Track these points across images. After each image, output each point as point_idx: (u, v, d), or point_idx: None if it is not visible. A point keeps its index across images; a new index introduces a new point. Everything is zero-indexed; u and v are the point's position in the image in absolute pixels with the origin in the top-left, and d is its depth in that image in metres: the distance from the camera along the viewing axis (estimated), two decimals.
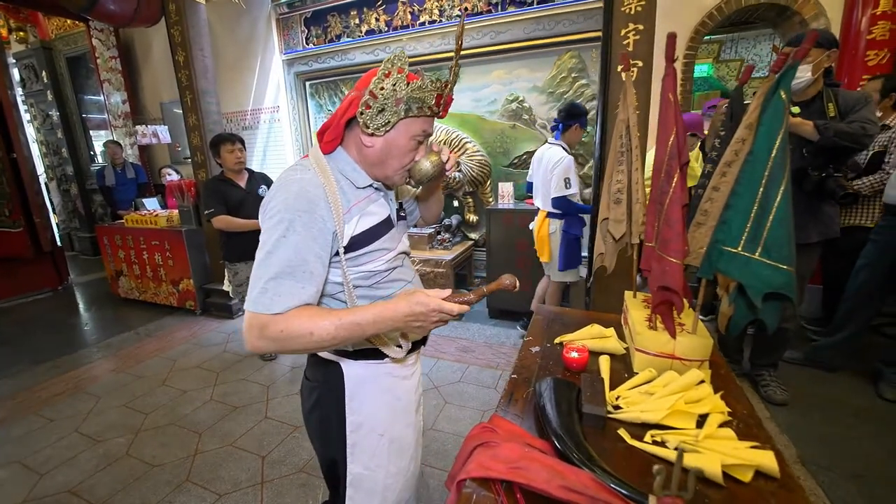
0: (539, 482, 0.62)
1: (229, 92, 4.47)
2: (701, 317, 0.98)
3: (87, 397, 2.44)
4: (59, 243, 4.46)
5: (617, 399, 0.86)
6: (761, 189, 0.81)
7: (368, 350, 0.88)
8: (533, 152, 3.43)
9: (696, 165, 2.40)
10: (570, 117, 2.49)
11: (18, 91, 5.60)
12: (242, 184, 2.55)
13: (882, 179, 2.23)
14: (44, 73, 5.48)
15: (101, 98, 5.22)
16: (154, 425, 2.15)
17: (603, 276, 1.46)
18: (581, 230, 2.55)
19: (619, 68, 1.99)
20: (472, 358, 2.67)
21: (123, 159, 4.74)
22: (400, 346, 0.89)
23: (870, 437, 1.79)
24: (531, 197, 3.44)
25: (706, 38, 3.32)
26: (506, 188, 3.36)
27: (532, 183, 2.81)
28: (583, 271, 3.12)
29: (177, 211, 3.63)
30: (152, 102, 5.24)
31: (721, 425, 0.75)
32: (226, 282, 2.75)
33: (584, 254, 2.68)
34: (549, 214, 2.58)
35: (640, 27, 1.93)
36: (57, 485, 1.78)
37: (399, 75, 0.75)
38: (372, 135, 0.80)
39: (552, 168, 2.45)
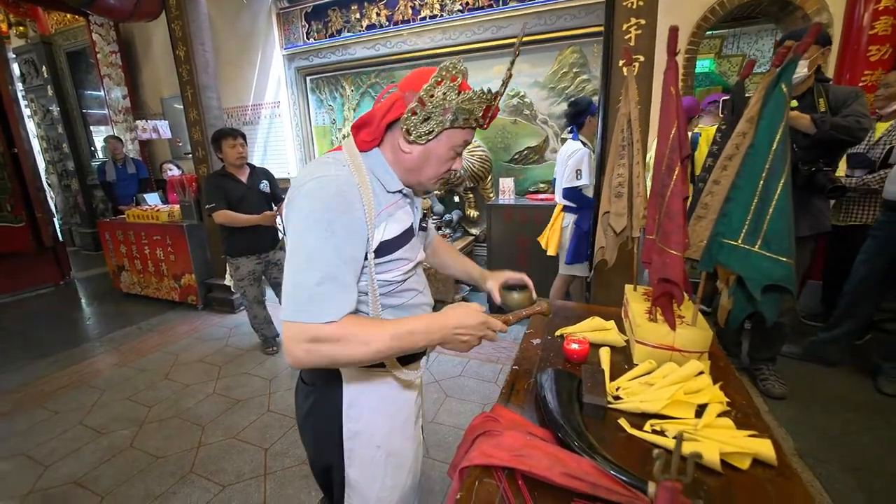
0: (541, 469, 0.63)
1: (230, 87, 4.46)
2: (703, 306, 0.99)
3: (90, 390, 2.46)
4: (60, 238, 4.48)
5: (617, 390, 0.87)
6: (762, 182, 0.82)
7: None
8: (534, 147, 3.45)
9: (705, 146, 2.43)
10: (578, 115, 2.50)
11: (19, 86, 5.59)
12: (244, 179, 2.55)
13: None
14: (44, 67, 5.47)
15: (102, 93, 5.21)
16: (157, 418, 2.16)
17: (603, 269, 1.47)
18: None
19: (621, 63, 1.99)
20: (472, 352, 2.68)
21: (124, 154, 4.75)
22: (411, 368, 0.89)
23: (868, 431, 1.81)
24: (532, 192, 3.45)
25: (708, 33, 3.31)
26: (507, 183, 3.36)
27: (555, 179, 2.84)
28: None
29: (178, 206, 3.63)
30: (153, 97, 5.23)
31: (720, 415, 0.76)
32: (227, 276, 2.75)
33: None
34: (565, 209, 2.60)
35: (642, 21, 1.93)
36: (62, 476, 1.80)
37: (452, 84, 0.72)
38: (413, 142, 0.76)
39: (567, 159, 2.49)
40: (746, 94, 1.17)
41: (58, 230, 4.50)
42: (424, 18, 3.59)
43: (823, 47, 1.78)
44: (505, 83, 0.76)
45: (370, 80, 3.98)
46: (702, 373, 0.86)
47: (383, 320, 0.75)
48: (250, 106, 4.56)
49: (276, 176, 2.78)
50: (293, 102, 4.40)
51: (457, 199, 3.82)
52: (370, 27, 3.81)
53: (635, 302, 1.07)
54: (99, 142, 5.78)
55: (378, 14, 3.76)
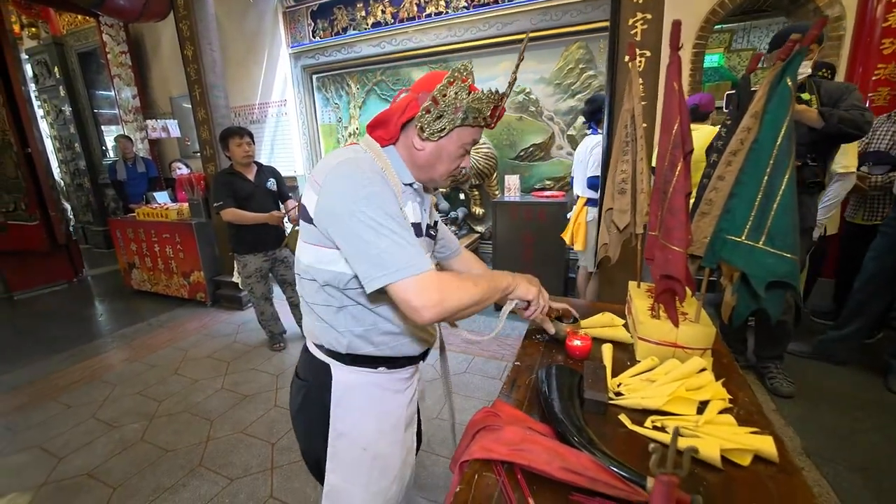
0: (540, 463, 0.64)
1: (237, 86, 4.50)
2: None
3: (102, 385, 2.51)
4: (73, 237, 4.56)
5: (619, 386, 0.87)
6: (766, 177, 0.81)
7: (362, 357, 0.86)
8: (539, 144, 3.43)
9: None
10: (597, 111, 2.54)
11: (32, 87, 5.69)
12: (251, 177, 2.58)
13: None
14: (56, 68, 5.56)
15: (112, 93, 5.29)
16: (167, 412, 2.21)
17: (608, 266, 1.47)
18: None
19: (628, 58, 1.97)
20: (477, 349, 2.69)
21: (134, 154, 4.82)
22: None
23: (877, 430, 1.78)
24: (538, 189, 3.44)
25: (717, 27, 3.26)
26: (512, 181, 3.35)
27: (574, 177, 2.87)
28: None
29: (187, 204, 3.68)
30: (162, 97, 5.29)
31: (722, 412, 0.76)
32: (235, 274, 2.79)
33: None
34: (588, 202, 2.61)
35: (648, 16, 1.91)
36: (75, 468, 1.84)
37: (463, 84, 0.76)
38: (426, 139, 0.80)
39: (591, 150, 2.52)
40: (752, 89, 1.16)
41: (71, 228, 4.58)
42: (430, 15, 3.58)
43: (820, 45, 1.81)
44: (511, 84, 0.80)
45: (376, 78, 3.98)
46: (704, 369, 0.86)
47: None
48: (257, 104, 4.59)
49: (283, 174, 2.81)
50: (299, 101, 4.43)
51: (462, 196, 3.82)
52: (376, 25, 3.82)
53: (638, 298, 1.07)
54: (110, 141, 5.87)
55: (384, 12, 3.76)
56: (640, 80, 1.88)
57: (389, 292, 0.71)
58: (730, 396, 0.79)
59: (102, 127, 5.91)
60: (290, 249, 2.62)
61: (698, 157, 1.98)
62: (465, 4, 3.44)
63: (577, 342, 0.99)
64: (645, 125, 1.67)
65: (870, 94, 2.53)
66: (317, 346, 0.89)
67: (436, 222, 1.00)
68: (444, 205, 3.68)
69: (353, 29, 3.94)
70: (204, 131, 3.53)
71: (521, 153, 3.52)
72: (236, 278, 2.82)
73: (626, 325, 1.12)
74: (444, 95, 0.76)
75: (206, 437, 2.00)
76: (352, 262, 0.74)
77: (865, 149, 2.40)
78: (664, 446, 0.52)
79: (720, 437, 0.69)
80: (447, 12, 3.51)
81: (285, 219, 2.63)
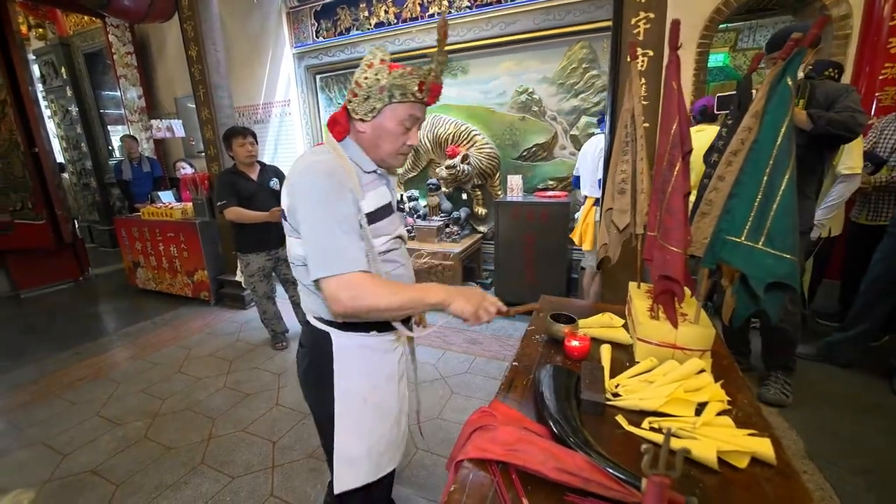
0: (534, 464, 0.64)
1: (241, 86, 4.52)
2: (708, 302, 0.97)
3: (107, 383, 2.53)
4: (79, 235, 4.60)
5: (617, 387, 0.87)
6: (766, 178, 0.81)
7: (354, 323, 0.96)
8: (542, 144, 3.42)
9: None
10: None
11: (39, 87, 5.75)
12: (254, 176, 2.59)
13: None
14: (63, 69, 5.61)
15: (118, 93, 5.33)
16: (170, 410, 2.22)
17: (608, 266, 1.46)
18: None
19: (629, 58, 1.96)
20: (479, 350, 2.69)
21: (139, 153, 4.85)
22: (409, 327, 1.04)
23: (882, 433, 1.76)
24: (541, 189, 3.43)
25: (723, 26, 3.24)
26: (515, 181, 3.34)
27: (578, 177, 2.88)
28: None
29: (191, 203, 3.71)
30: (167, 97, 5.33)
31: (720, 414, 0.76)
32: (238, 273, 2.80)
33: None
34: (597, 202, 2.61)
35: (651, 15, 1.90)
36: (79, 465, 1.86)
37: (381, 66, 0.84)
38: (361, 120, 0.89)
39: (599, 151, 2.50)
40: (753, 89, 1.15)
41: (76, 227, 4.63)
42: (433, 15, 3.58)
43: (815, 47, 1.78)
44: (440, 62, 0.88)
45: None
46: (703, 371, 0.85)
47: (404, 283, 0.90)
48: (261, 104, 4.61)
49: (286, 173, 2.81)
50: (303, 101, 4.44)
51: (465, 196, 3.81)
52: (379, 25, 3.82)
53: (638, 299, 1.07)
54: (116, 141, 5.92)
55: (387, 12, 3.76)
56: (642, 80, 1.88)
57: (321, 284, 0.83)
58: (728, 398, 0.79)
59: (108, 127, 5.96)
60: None
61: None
62: (468, 4, 3.43)
63: (575, 343, 0.98)
64: (647, 125, 1.67)
65: (877, 94, 2.51)
66: (316, 318, 0.99)
67: (402, 196, 1.09)
68: (447, 205, 3.68)
69: (357, 29, 3.95)
70: (208, 131, 3.55)
71: (524, 153, 3.51)
72: (239, 277, 2.84)
73: (625, 326, 1.12)
74: (366, 78, 0.84)
75: (208, 435, 2.01)
76: (303, 247, 0.86)
77: (872, 149, 2.37)
78: (657, 447, 0.52)
79: (717, 438, 0.69)
80: (450, 12, 3.51)
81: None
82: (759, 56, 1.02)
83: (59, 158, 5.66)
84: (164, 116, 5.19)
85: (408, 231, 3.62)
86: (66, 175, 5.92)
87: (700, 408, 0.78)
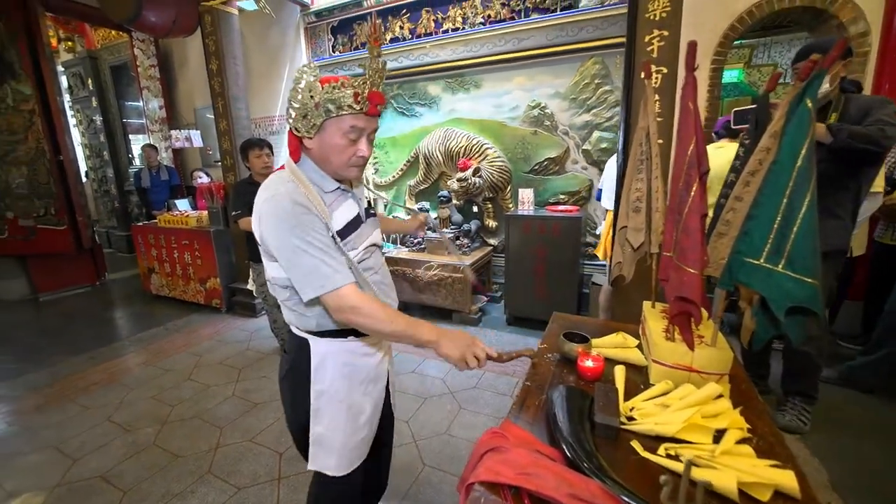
0: (547, 489, 0.62)
1: (258, 98, 4.63)
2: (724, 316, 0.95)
3: (119, 388, 2.56)
4: (97, 241, 4.72)
5: (631, 410, 0.85)
6: (785, 199, 0.79)
7: (332, 331, 1.00)
8: (554, 158, 3.43)
9: None
10: None
11: (66, 97, 5.97)
12: None
13: None
14: (89, 80, 5.83)
15: (141, 104, 5.51)
16: (179, 417, 2.23)
17: (621, 285, 1.44)
18: None
19: (643, 75, 1.97)
20: (488, 364, 2.65)
21: (158, 162, 4.98)
22: None
23: None
24: (553, 203, 3.42)
25: (737, 42, 3.23)
26: (526, 194, 3.34)
27: (601, 189, 2.87)
28: (603, 279, 3.07)
29: (206, 212, 3.78)
30: (187, 108, 5.49)
31: (739, 441, 0.73)
32: (250, 281, 2.83)
33: None
34: None
35: (665, 33, 1.90)
36: (89, 470, 1.87)
37: (312, 82, 0.86)
38: (305, 137, 0.91)
39: None
40: (771, 108, 1.14)
41: (95, 233, 4.74)
42: (447, 31, 3.65)
43: (845, 59, 1.72)
44: (377, 70, 0.88)
45: (393, 92, 4.06)
46: (721, 396, 0.83)
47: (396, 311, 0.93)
48: (277, 116, 4.71)
49: None
50: None
51: (475, 209, 3.82)
52: (394, 40, 3.90)
53: (653, 320, 1.05)
54: (136, 150, 6.09)
55: (401, 27, 3.84)
56: (656, 97, 1.87)
57: (321, 302, 0.89)
58: (748, 426, 0.76)
59: (130, 136, 6.15)
60: None
61: (723, 175, 1.90)
62: (482, 21, 3.49)
63: (588, 363, 0.97)
64: (661, 142, 1.66)
65: None
66: (296, 327, 1.04)
67: (369, 202, 1.12)
68: (458, 217, 3.69)
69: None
70: (225, 142, 3.63)
71: (536, 167, 3.52)
72: (251, 286, 2.87)
73: (639, 347, 1.10)
74: (299, 96, 0.86)
75: (216, 443, 2.01)
76: (290, 278, 0.90)
77: (891, 170, 2.32)
78: (676, 477, 0.50)
79: (738, 469, 0.66)
80: (464, 28, 3.57)
81: None
82: (777, 75, 1.01)
83: (82, 166, 5.84)
84: (184, 127, 5.34)
85: (418, 242, 3.64)
86: (86, 181, 6.10)
87: (718, 435, 0.76)
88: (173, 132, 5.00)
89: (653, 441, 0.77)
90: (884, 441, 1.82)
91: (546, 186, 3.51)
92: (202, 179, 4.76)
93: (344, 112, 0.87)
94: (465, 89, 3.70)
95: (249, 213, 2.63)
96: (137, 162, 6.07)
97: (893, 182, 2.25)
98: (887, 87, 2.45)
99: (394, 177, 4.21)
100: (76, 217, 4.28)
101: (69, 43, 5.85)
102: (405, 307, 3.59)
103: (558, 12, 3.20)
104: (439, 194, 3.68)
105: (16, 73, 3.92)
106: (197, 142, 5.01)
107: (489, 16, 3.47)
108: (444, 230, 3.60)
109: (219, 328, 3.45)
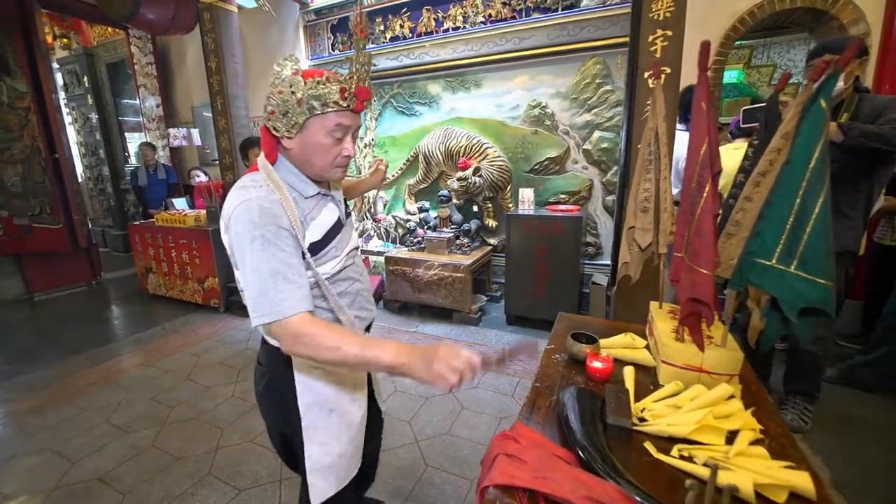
0: (564, 492, 0.61)
1: (257, 96, 4.60)
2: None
3: (117, 389, 2.54)
4: (93, 240, 4.67)
5: (642, 411, 0.84)
6: (798, 200, 0.79)
7: None
8: (554, 158, 3.42)
9: None
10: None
11: (61, 95, 5.90)
12: None
13: None
14: (85, 77, 5.76)
15: (137, 102, 5.46)
16: (178, 419, 2.21)
17: (626, 285, 1.44)
18: None
19: (646, 75, 1.96)
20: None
21: (155, 161, 4.94)
22: None
23: None
24: (553, 203, 3.42)
25: (737, 43, 3.24)
26: (526, 194, 3.34)
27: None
28: (603, 279, 3.08)
29: (204, 211, 3.75)
30: (184, 106, 5.45)
31: (752, 443, 0.73)
32: None
33: None
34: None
35: (669, 33, 1.91)
36: (87, 473, 1.85)
37: (293, 77, 0.80)
38: (285, 137, 0.84)
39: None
40: (780, 107, 1.14)
41: (91, 232, 4.70)
42: (447, 30, 3.63)
43: (859, 58, 1.71)
44: (364, 63, 0.83)
45: (393, 91, 4.04)
46: (732, 397, 0.82)
47: (356, 334, 0.82)
48: None
49: None
50: None
51: (475, 208, 3.82)
52: (394, 39, 3.88)
53: (661, 320, 1.04)
54: (133, 148, 6.04)
55: (402, 26, 3.83)
56: (664, 98, 1.87)
57: (269, 330, 0.80)
58: (761, 427, 0.76)
59: (126, 134, 6.08)
60: None
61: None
62: (483, 20, 3.48)
63: (597, 364, 0.96)
64: (667, 143, 1.65)
65: None
66: (272, 338, 0.97)
67: (346, 203, 1.07)
68: (458, 217, 3.68)
69: (372, 43, 4.02)
70: (224, 140, 3.61)
71: (536, 166, 3.51)
72: None
73: (647, 347, 1.09)
74: (280, 92, 0.80)
75: (216, 445, 1.99)
76: (243, 292, 0.83)
77: None
78: (700, 482, 0.49)
79: (753, 470, 0.66)
80: (464, 27, 3.56)
81: None
82: (787, 76, 1.01)
83: (78, 164, 5.78)
84: (181, 125, 5.30)
85: (418, 242, 3.63)
86: (82, 180, 6.04)
87: (730, 436, 0.75)
88: (171, 130, 4.96)
89: (665, 442, 0.77)
90: (885, 439, 1.83)
91: (546, 186, 3.51)
92: (200, 178, 4.72)
93: (329, 109, 0.81)
94: (466, 88, 3.69)
95: None
96: (134, 160, 6.02)
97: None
98: (887, 87, 2.47)
99: (393, 176, 4.19)
100: (72, 216, 4.24)
101: (65, 40, 5.79)
102: (405, 307, 3.58)
103: (559, 12, 3.20)
104: (439, 194, 3.67)
105: (11, 70, 3.87)
106: (195, 140, 4.97)
107: (490, 15, 3.46)
108: (444, 230, 3.60)
109: (217, 328, 3.42)
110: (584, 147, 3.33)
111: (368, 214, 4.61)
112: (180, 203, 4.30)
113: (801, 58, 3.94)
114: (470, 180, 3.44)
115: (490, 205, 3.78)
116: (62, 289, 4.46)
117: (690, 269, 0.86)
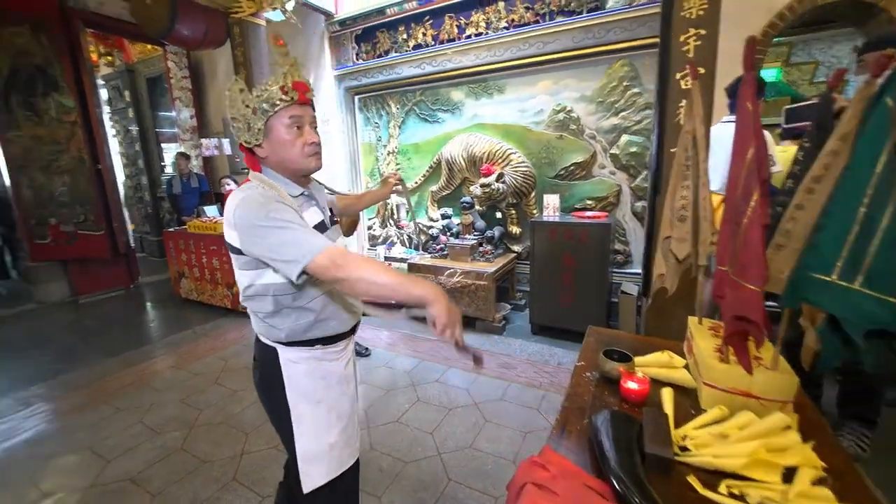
0: None
1: None
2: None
3: (150, 390, 2.62)
4: (132, 246, 4.90)
5: (684, 439, 0.78)
6: (863, 208, 0.71)
7: (299, 341, 1.02)
8: (580, 163, 3.34)
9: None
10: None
11: (105, 109, 6.26)
12: None
13: None
14: (126, 92, 6.10)
15: (173, 114, 5.72)
16: (207, 422, 2.26)
17: (661, 298, 1.36)
18: None
19: (679, 76, 1.88)
20: (513, 375, 2.59)
21: (189, 170, 5.15)
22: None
23: None
24: (579, 209, 3.33)
25: (775, 40, 3.07)
26: (551, 200, 3.26)
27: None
28: (633, 288, 2.96)
29: None
30: (216, 117, 5.66)
31: (814, 483, 0.65)
32: None
33: None
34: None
35: (702, 32, 1.82)
36: (121, 472, 1.90)
37: (241, 94, 0.93)
38: (255, 146, 0.96)
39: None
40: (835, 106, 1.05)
41: (130, 239, 4.93)
42: (469, 37, 3.62)
43: None
44: (280, 63, 0.95)
45: (416, 98, 4.06)
46: (789, 427, 0.75)
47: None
48: None
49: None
50: (342, 120, 4.58)
51: (499, 215, 3.76)
52: (417, 47, 3.91)
53: (702, 338, 0.97)
54: (169, 158, 6.32)
55: (424, 34, 3.84)
56: (701, 100, 1.79)
57: (309, 271, 0.85)
58: (823, 464, 0.68)
59: (162, 145, 6.39)
60: None
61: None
62: (506, 25, 3.45)
63: (632, 384, 0.90)
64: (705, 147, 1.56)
65: None
66: (265, 337, 1.06)
67: (331, 210, 1.16)
68: (481, 223, 3.64)
69: (395, 51, 4.06)
70: None
71: (562, 172, 3.43)
72: None
73: (686, 367, 1.02)
74: (237, 110, 0.94)
75: (241, 450, 2.02)
76: (275, 263, 0.88)
77: None
78: None
79: None
80: (487, 33, 3.54)
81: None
82: (842, 72, 0.92)
83: (119, 175, 6.10)
84: (213, 135, 5.50)
85: (440, 249, 3.60)
86: (122, 189, 6.37)
87: (787, 473, 0.68)
88: (203, 140, 5.15)
89: (711, 476, 0.70)
90: None
91: (572, 192, 3.43)
92: (230, 186, 4.87)
93: (278, 105, 0.92)
94: (489, 94, 3.66)
95: None
96: (169, 169, 6.29)
97: None
98: None
99: (416, 183, 4.20)
100: (112, 223, 4.46)
101: (109, 57, 6.15)
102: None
103: (584, 14, 3.13)
104: (462, 200, 3.64)
105: (59, 86, 4.13)
106: (226, 150, 5.15)
107: (513, 20, 3.42)
108: (467, 236, 3.56)
109: (245, 333, 3.50)
110: (612, 151, 3.23)
111: (392, 221, 4.62)
112: (211, 210, 4.44)
113: (846, 54, 3.70)
114: (493, 186, 3.40)
115: (514, 211, 3.72)
116: (102, 292, 4.69)
117: (736, 284, 0.79)
